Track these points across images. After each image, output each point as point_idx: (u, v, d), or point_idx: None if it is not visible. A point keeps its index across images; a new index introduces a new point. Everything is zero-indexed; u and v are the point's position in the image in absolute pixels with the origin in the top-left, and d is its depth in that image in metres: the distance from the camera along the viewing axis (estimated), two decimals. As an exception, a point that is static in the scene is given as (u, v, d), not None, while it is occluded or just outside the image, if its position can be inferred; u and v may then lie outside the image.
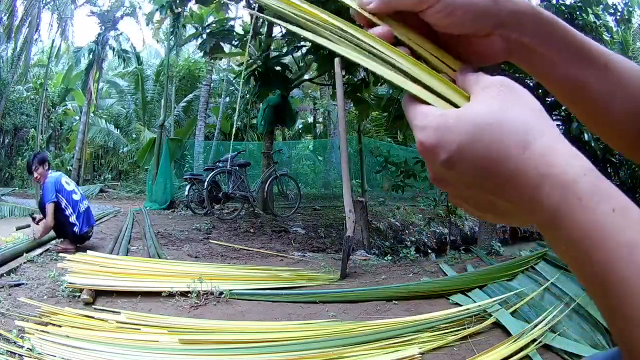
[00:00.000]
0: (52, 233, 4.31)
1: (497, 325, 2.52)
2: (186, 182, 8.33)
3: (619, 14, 5.41)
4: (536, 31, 0.39)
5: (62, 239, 4.28)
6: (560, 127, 4.73)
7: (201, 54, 9.14)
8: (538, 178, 0.28)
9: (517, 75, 6.13)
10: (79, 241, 4.25)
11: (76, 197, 4.29)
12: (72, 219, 4.16)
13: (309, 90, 16.00)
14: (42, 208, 4.18)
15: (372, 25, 0.38)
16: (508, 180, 0.30)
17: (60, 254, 3.73)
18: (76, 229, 4.17)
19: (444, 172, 0.32)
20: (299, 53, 7.83)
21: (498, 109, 0.30)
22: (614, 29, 6.05)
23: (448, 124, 0.31)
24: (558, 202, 0.28)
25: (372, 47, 0.37)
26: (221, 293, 3.04)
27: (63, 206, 4.12)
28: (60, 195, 4.12)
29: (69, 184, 4.31)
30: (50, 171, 4.30)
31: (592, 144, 4.60)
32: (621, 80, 0.41)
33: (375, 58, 0.37)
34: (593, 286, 0.27)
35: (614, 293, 0.25)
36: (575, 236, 0.27)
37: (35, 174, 4.20)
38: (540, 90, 3.10)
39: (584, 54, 0.40)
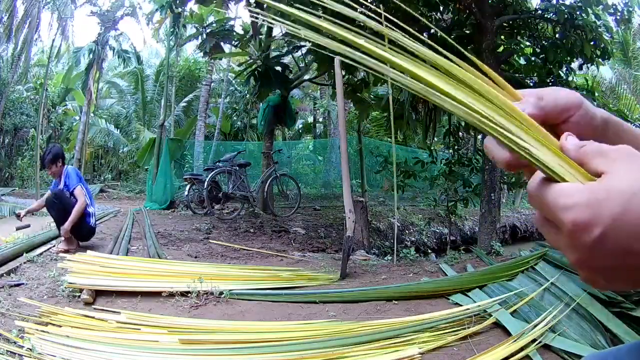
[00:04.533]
0: (52, 232, 4.30)
1: (497, 325, 2.52)
2: (186, 182, 8.33)
3: (619, 14, 5.40)
4: (615, 134, 0.43)
5: (62, 239, 4.24)
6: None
7: (201, 54, 9.14)
8: None
9: (517, 75, 6.13)
10: (86, 237, 4.30)
11: (92, 197, 4.47)
12: (90, 209, 4.28)
13: (309, 90, 16.00)
14: (56, 196, 4.13)
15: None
16: None
17: (61, 254, 3.73)
18: (92, 220, 4.30)
19: (595, 250, 0.32)
20: (299, 53, 7.83)
21: (637, 177, 0.31)
22: (614, 29, 6.04)
23: (599, 198, 0.31)
24: None
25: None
26: (221, 293, 3.04)
27: (85, 195, 4.19)
28: (82, 185, 4.22)
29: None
30: (67, 165, 4.39)
31: None
32: None
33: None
34: None
35: None
36: None
37: (54, 169, 4.22)
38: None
39: None
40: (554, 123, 0.41)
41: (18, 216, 4.31)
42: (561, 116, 0.41)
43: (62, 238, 4.13)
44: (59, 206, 4.10)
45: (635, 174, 0.31)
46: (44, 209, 4.45)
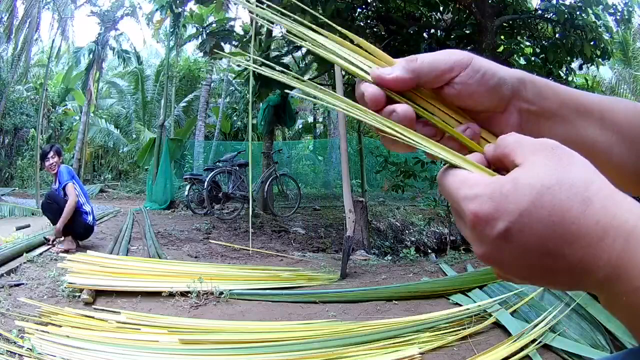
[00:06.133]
0: (51, 233, 4.29)
1: (497, 325, 2.52)
2: (186, 182, 8.33)
3: (619, 14, 5.41)
4: (536, 94, 0.39)
5: (62, 238, 4.19)
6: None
7: (201, 54, 9.14)
8: (600, 232, 0.28)
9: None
10: (84, 236, 4.27)
11: (87, 194, 4.40)
12: (86, 207, 4.21)
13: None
14: (50, 197, 4.14)
15: (386, 102, 0.36)
16: (571, 242, 0.28)
17: (61, 254, 3.72)
18: (89, 218, 4.22)
19: (499, 245, 0.29)
20: (299, 53, 7.84)
21: (554, 171, 0.29)
22: (614, 29, 6.05)
23: (504, 191, 0.29)
24: (620, 250, 0.27)
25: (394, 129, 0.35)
26: (221, 293, 3.04)
27: (77, 192, 4.14)
28: (75, 182, 4.18)
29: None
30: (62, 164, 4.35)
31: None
32: (622, 128, 0.40)
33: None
34: None
35: None
36: (635, 284, 0.26)
37: (52, 161, 4.19)
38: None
39: (582, 108, 0.40)
40: (433, 86, 0.37)
41: (47, 240, 4.16)
42: (441, 78, 0.36)
43: (62, 238, 4.12)
44: (54, 207, 4.09)
45: (551, 168, 0.29)
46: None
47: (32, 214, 7.45)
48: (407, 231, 8.24)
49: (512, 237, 0.29)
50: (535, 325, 2.33)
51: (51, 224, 4.32)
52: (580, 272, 0.29)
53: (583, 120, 0.40)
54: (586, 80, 6.73)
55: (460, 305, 2.82)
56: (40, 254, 3.92)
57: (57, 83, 18.77)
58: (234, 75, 12.80)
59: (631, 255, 0.27)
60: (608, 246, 0.27)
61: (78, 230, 4.19)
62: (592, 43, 5.15)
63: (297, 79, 0.38)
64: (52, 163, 4.20)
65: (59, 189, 4.15)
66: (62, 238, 4.11)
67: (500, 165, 0.33)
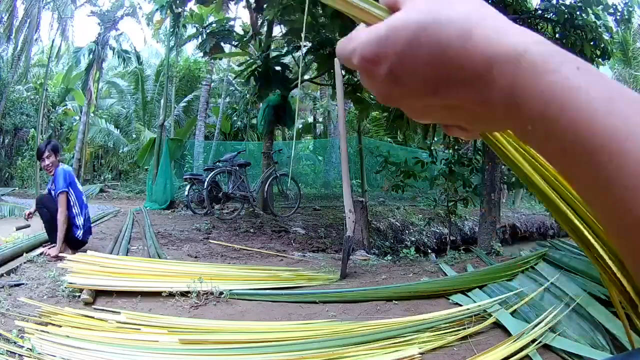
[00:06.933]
0: (44, 236, 4.15)
1: (497, 325, 2.52)
2: (186, 182, 8.34)
3: (619, 14, 5.41)
4: None
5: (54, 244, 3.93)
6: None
7: (201, 54, 9.14)
8: (486, 61, 0.27)
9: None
10: (74, 246, 4.01)
11: (85, 200, 4.08)
12: (78, 220, 3.94)
13: (309, 90, 16.00)
14: (41, 202, 3.95)
15: None
16: (455, 77, 0.28)
17: (60, 254, 3.70)
18: (79, 232, 3.95)
19: (390, 86, 0.30)
20: (299, 53, 7.83)
21: (432, 9, 0.28)
22: (614, 29, 6.05)
23: (380, 34, 0.29)
24: (513, 75, 0.26)
25: None
26: (221, 293, 3.04)
27: (71, 203, 3.90)
28: (71, 189, 3.91)
29: (80, 185, 4.14)
30: (61, 165, 4.04)
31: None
32: None
33: None
34: (568, 155, 0.25)
35: (595, 149, 0.23)
36: (539, 106, 0.25)
37: (47, 162, 3.90)
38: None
39: None
40: None
41: (27, 216, 4.02)
42: None
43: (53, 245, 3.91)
44: (44, 211, 3.90)
45: (430, 7, 0.28)
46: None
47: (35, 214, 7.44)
48: (407, 231, 8.24)
49: (399, 79, 0.29)
50: (535, 325, 2.33)
51: (44, 230, 4.10)
52: (477, 107, 0.28)
53: None
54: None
55: (460, 305, 2.82)
56: (40, 254, 3.92)
57: (57, 83, 18.77)
58: (234, 75, 12.81)
59: (527, 79, 0.25)
60: (498, 74, 0.26)
61: (69, 241, 3.95)
62: (592, 43, 5.14)
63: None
64: (48, 164, 3.93)
65: (55, 190, 3.89)
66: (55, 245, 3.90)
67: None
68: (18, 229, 4.88)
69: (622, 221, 0.23)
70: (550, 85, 0.25)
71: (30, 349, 2.05)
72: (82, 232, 4.00)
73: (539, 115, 0.25)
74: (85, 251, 3.73)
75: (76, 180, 4.13)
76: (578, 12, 4.97)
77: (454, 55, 0.27)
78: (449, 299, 3.03)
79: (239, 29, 9.61)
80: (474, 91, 0.28)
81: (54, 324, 2.39)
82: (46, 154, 3.92)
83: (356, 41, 0.30)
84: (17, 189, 14.15)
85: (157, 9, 9.64)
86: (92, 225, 4.19)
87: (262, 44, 7.24)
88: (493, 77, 0.27)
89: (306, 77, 8.50)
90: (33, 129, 15.64)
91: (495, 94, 0.27)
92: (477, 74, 0.27)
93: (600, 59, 5.43)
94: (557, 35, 5.56)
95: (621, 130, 0.23)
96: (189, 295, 2.99)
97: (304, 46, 6.98)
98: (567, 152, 0.25)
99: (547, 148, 0.27)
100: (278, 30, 7.96)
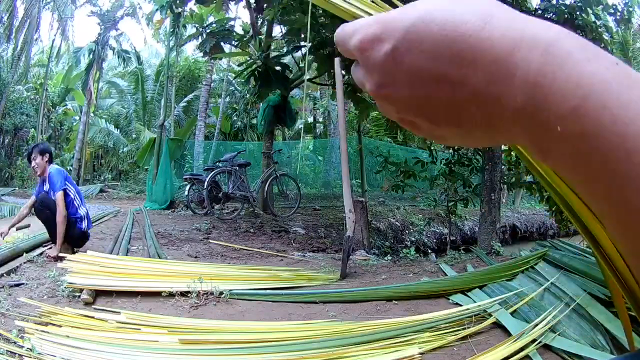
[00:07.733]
0: (44, 236, 4.15)
1: (497, 325, 2.52)
2: (186, 182, 8.34)
3: (619, 14, 5.41)
4: None
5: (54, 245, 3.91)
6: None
7: (201, 54, 9.14)
8: (508, 44, 0.23)
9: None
10: (78, 242, 4.05)
11: (82, 196, 4.14)
12: (81, 211, 3.96)
13: (309, 90, 16.00)
14: (42, 203, 3.91)
15: None
16: (471, 60, 0.23)
17: (60, 254, 3.69)
18: (83, 224, 3.97)
19: (388, 69, 0.26)
20: (299, 53, 7.83)
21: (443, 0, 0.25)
22: (614, 29, 6.05)
23: (390, 14, 0.26)
24: (541, 62, 0.22)
25: None
26: (221, 293, 3.04)
27: (72, 196, 3.91)
28: (68, 184, 3.93)
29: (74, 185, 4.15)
30: (52, 165, 4.02)
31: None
32: None
33: None
34: (611, 164, 0.20)
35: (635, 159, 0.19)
36: (573, 100, 0.21)
37: (33, 163, 3.90)
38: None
39: None
40: None
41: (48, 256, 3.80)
42: None
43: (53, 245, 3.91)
44: (46, 212, 3.88)
45: None
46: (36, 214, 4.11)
47: (32, 214, 7.44)
48: (407, 231, 8.24)
49: (401, 58, 0.25)
50: (535, 325, 2.33)
51: (45, 230, 4.09)
52: (489, 102, 0.24)
53: None
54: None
55: (460, 305, 2.82)
56: (40, 254, 3.92)
57: (57, 83, 18.78)
58: (234, 75, 12.81)
59: (556, 68, 0.21)
60: (522, 59, 0.22)
61: (73, 238, 3.96)
62: (592, 43, 5.15)
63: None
64: (35, 165, 3.90)
65: (54, 190, 3.87)
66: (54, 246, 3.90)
67: None
68: (18, 229, 4.87)
69: None
70: (590, 77, 0.21)
71: (30, 349, 2.05)
72: (86, 221, 4.04)
73: (571, 112, 0.21)
74: (85, 251, 3.74)
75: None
76: (578, 12, 4.97)
77: (470, 34, 0.23)
78: (449, 299, 3.03)
79: (239, 29, 9.62)
80: (486, 78, 0.23)
81: (54, 324, 2.39)
82: (33, 155, 3.95)
83: (359, 22, 0.28)
84: (17, 189, 14.13)
85: (157, 9, 9.66)
86: (92, 224, 4.21)
87: (262, 44, 7.24)
88: (514, 62, 0.23)
89: (306, 77, 8.49)
90: (33, 129, 15.66)
91: (515, 82, 0.23)
92: (494, 57, 0.23)
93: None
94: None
95: None
96: (189, 295, 2.99)
97: (304, 46, 6.98)
98: (610, 161, 0.20)
99: (579, 157, 0.21)
100: (278, 30, 7.96)
